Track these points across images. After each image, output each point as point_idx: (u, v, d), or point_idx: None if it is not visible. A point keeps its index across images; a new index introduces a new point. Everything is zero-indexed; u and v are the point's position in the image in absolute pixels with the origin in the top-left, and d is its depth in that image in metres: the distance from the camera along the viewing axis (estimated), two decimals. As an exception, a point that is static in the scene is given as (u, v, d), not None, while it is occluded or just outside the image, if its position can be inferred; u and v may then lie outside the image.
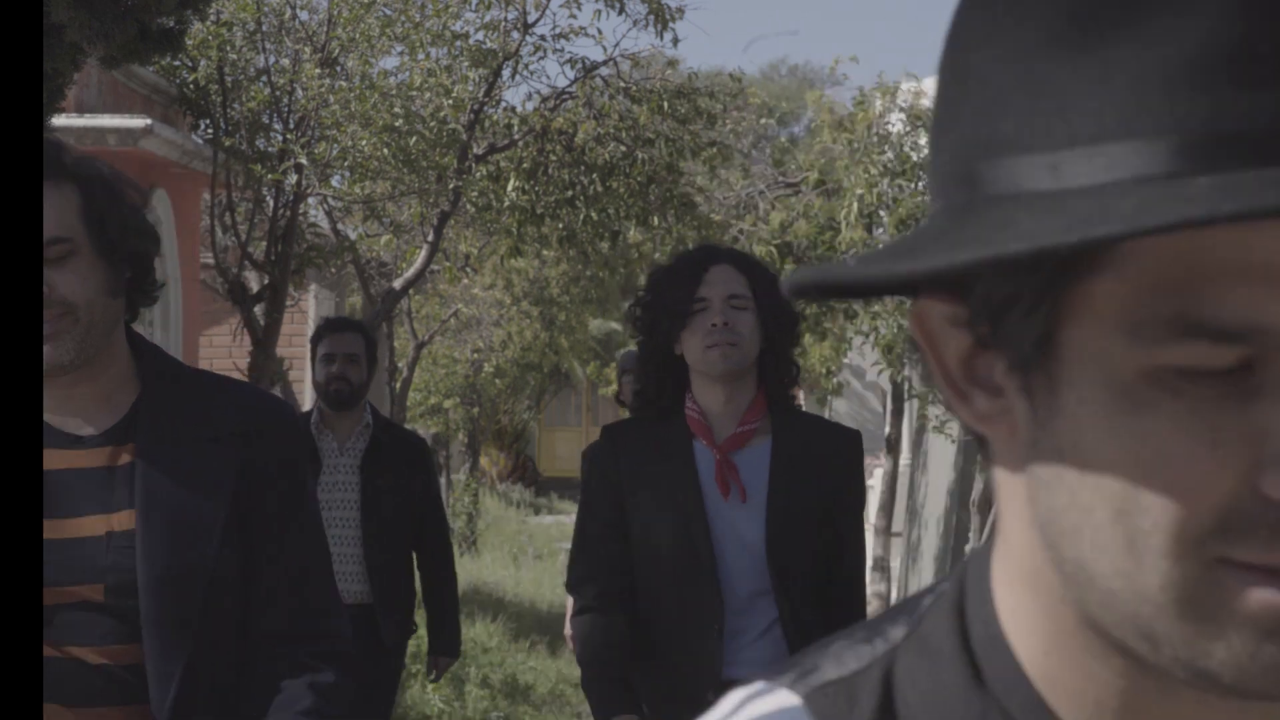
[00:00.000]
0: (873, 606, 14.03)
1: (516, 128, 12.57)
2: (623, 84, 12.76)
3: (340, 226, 13.97)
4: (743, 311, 4.09)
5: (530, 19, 12.47)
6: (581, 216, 12.70)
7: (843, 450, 4.19)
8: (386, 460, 6.86)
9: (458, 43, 12.40)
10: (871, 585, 15.35)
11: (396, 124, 11.98)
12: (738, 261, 4.16)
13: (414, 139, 12.06)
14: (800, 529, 4.10)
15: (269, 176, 11.63)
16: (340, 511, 6.82)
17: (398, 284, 12.93)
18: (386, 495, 6.83)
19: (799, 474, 4.11)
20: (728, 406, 4.12)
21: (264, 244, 12.05)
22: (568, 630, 8.56)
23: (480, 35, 12.56)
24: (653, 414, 4.16)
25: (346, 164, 12.31)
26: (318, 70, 11.73)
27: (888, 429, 16.67)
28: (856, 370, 20.47)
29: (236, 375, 11.86)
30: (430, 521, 7.02)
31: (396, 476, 6.85)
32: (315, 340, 7.00)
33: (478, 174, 12.55)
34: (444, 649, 7.21)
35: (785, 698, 0.93)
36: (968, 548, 14.22)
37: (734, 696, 0.95)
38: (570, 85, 12.75)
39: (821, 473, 4.12)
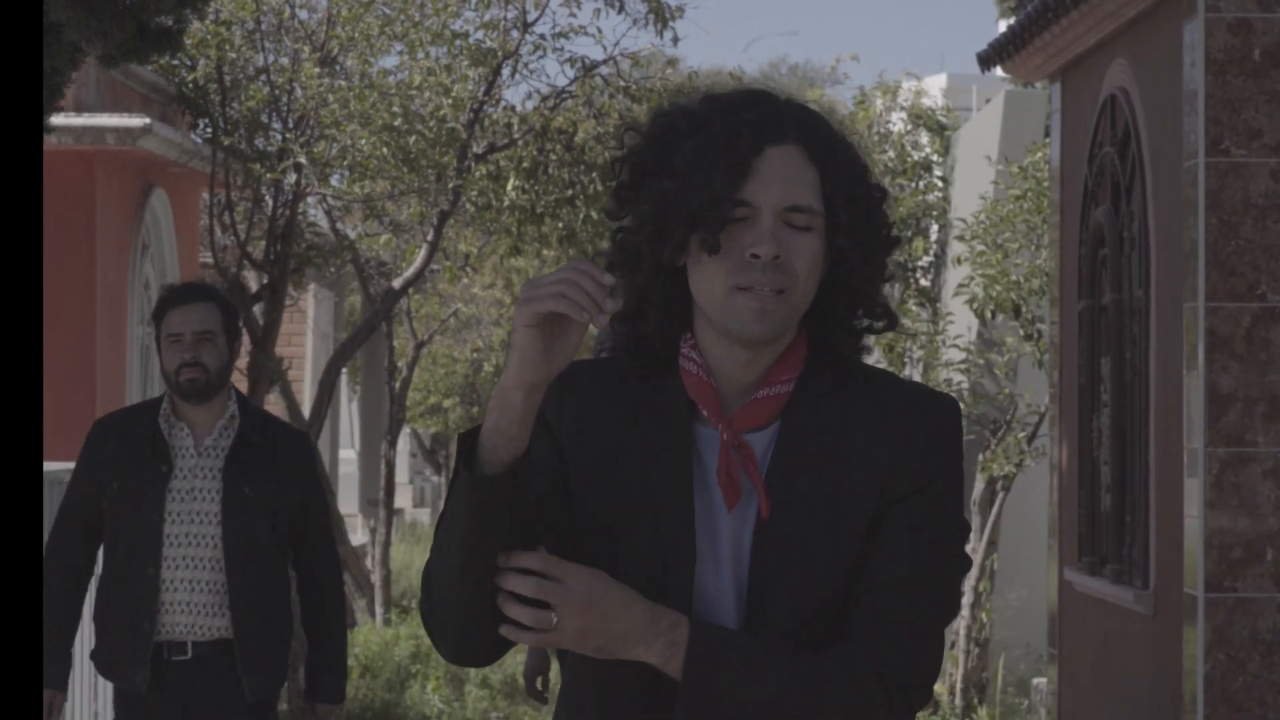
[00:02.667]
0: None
1: (516, 127, 12.54)
2: (623, 83, 12.73)
3: (339, 226, 13.95)
4: (804, 235, 2.44)
5: (530, 18, 12.45)
6: (581, 216, 12.68)
7: (903, 429, 2.47)
8: (257, 462, 5.52)
9: (457, 42, 12.38)
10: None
11: (396, 123, 11.96)
12: (808, 139, 2.48)
13: (413, 138, 12.04)
14: (810, 568, 2.45)
15: (268, 176, 11.61)
16: (195, 526, 5.46)
17: (397, 283, 12.91)
18: (256, 507, 5.50)
19: (823, 475, 2.47)
20: (748, 366, 2.48)
21: (263, 243, 12.03)
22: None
23: (480, 34, 12.54)
24: (635, 364, 2.52)
25: (346, 163, 12.29)
26: (317, 69, 11.70)
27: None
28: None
29: (236, 375, 11.85)
30: (313, 539, 5.66)
31: (269, 483, 5.52)
32: (157, 315, 5.63)
33: (477, 173, 12.52)
34: (324, 694, 5.76)
35: None
36: (968, 548, 14.18)
37: None
38: (570, 84, 12.72)
39: (870, 473, 2.46)
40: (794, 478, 2.45)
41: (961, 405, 14.08)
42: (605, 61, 12.72)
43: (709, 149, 2.42)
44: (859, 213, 2.46)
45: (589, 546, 2.45)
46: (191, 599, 5.46)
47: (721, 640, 2.37)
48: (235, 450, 5.50)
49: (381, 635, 14.34)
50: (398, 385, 16.62)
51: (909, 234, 16.18)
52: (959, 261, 14.07)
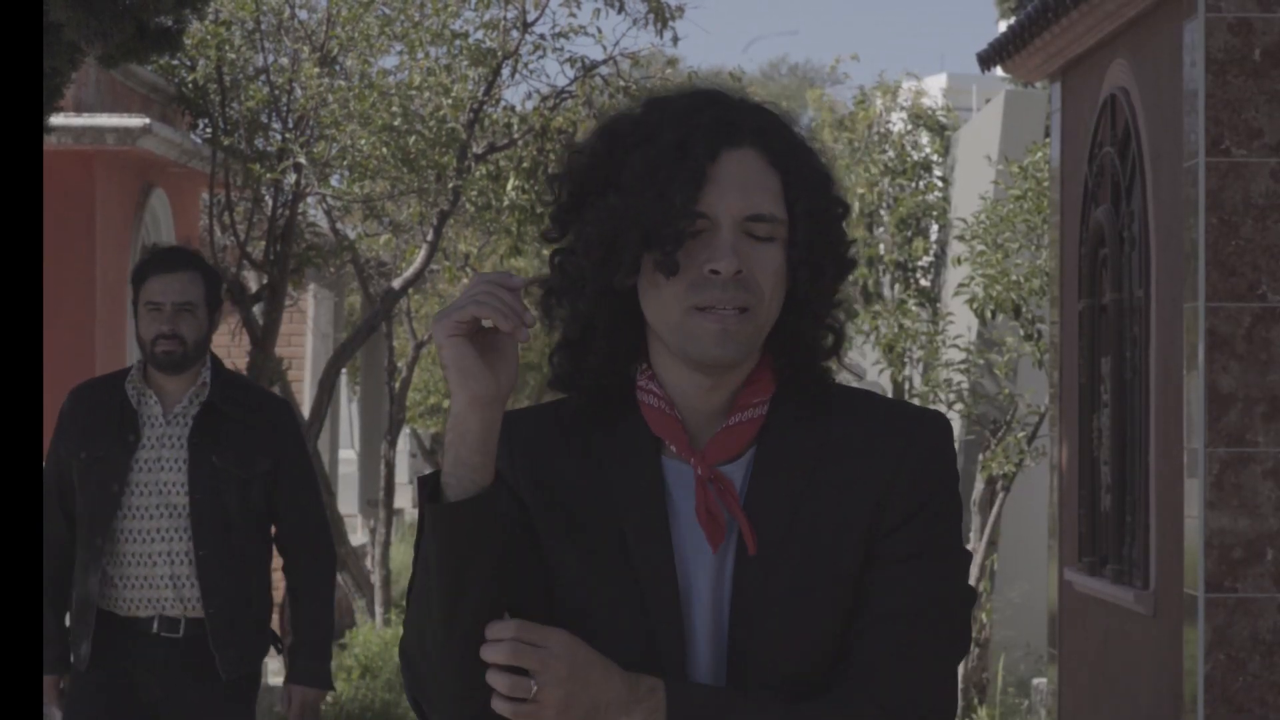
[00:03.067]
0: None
1: (516, 127, 12.54)
2: (622, 83, 12.72)
3: (339, 226, 13.94)
4: (766, 246, 2.23)
5: (530, 18, 12.44)
6: (581, 216, 12.65)
7: (891, 453, 2.26)
8: (226, 431, 5.30)
9: (457, 42, 12.38)
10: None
11: (395, 123, 11.96)
12: (768, 142, 2.26)
13: (413, 138, 12.03)
14: (798, 605, 2.23)
15: (268, 176, 11.60)
16: (161, 497, 5.27)
17: (397, 283, 12.90)
18: (224, 476, 5.27)
19: (807, 505, 2.25)
20: (712, 392, 2.27)
21: (263, 243, 12.02)
22: None
23: (479, 34, 12.53)
24: (584, 403, 2.31)
25: (345, 163, 12.28)
26: (316, 69, 11.70)
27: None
28: (857, 370, 20.45)
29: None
30: (287, 510, 5.40)
31: (238, 451, 5.29)
32: (136, 280, 5.39)
33: (477, 173, 12.52)
34: (302, 676, 5.51)
35: None
36: (969, 546, 14.17)
37: None
38: (570, 84, 12.72)
39: (859, 501, 2.24)
40: (775, 509, 2.23)
41: (961, 405, 14.10)
42: (605, 61, 12.71)
43: (660, 159, 2.19)
44: (818, 226, 2.24)
45: (563, 605, 2.24)
46: (154, 572, 5.25)
47: (705, 701, 2.16)
48: (201, 418, 5.28)
49: (381, 635, 14.33)
50: (397, 385, 16.62)
51: (909, 234, 16.19)
52: (959, 261, 14.07)
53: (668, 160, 2.19)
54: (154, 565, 5.26)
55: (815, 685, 2.20)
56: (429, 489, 2.14)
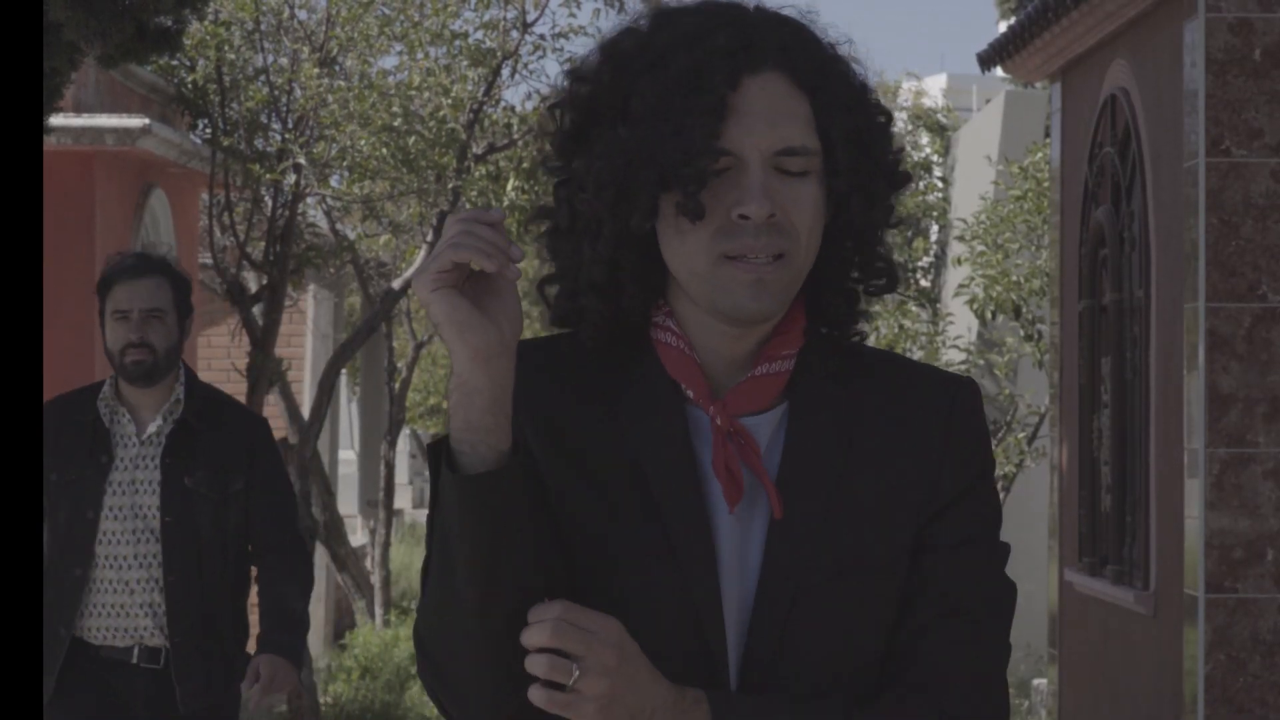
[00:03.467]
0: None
1: (516, 127, 12.54)
2: (622, 83, 12.71)
3: (339, 226, 13.94)
4: (800, 182, 1.96)
5: (529, 18, 12.44)
6: (581, 216, 12.66)
7: (936, 423, 2.03)
8: (199, 450, 5.03)
9: (457, 42, 12.38)
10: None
11: (395, 123, 11.96)
12: (794, 62, 1.98)
13: (413, 138, 12.03)
14: (840, 583, 2.00)
15: (267, 176, 11.60)
16: (135, 522, 5.00)
17: (397, 284, 12.90)
18: (197, 499, 5.02)
19: (846, 469, 2.01)
20: (739, 340, 2.01)
21: (262, 244, 12.02)
22: None
23: (479, 34, 12.53)
24: (599, 338, 2.04)
25: (345, 164, 12.28)
26: (316, 70, 11.70)
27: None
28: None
29: (235, 376, 11.86)
30: (264, 531, 5.11)
31: (211, 471, 5.02)
32: (103, 289, 5.11)
33: (477, 174, 12.52)
34: (271, 645, 5.08)
35: None
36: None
37: None
38: (570, 84, 12.70)
39: (907, 471, 2.02)
40: (812, 477, 1.98)
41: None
42: (605, 62, 12.69)
43: (674, 87, 1.92)
44: (861, 147, 1.97)
45: (583, 562, 1.96)
46: (132, 600, 5.00)
47: (753, 713, 1.92)
48: (174, 437, 5.01)
49: (381, 637, 14.33)
50: (397, 386, 16.62)
51: (909, 234, 16.19)
52: (959, 262, 14.07)
53: (682, 89, 1.92)
54: (131, 593, 5.00)
55: (848, 676, 1.97)
56: (438, 458, 1.86)
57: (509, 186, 12.57)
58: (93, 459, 5.02)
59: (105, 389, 5.09)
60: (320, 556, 14.27)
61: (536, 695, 1.83)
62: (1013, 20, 11.10)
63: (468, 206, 12.87)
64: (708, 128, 1.91)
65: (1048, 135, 12.19)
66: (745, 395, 2.00)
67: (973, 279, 13.30)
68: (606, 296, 2.00)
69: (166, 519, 4.98)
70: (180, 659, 4.98)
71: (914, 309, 15.34)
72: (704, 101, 1.92)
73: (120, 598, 5.02)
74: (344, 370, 15.98)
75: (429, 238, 12.63)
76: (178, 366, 5.11)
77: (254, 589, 5.22)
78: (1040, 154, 13.55)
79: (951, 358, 14.17)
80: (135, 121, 10.97)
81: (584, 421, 2.01)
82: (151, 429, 5.04)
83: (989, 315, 13.34)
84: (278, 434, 13.08)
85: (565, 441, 2.00)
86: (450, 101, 12.14)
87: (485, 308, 1.87)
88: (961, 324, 14.70)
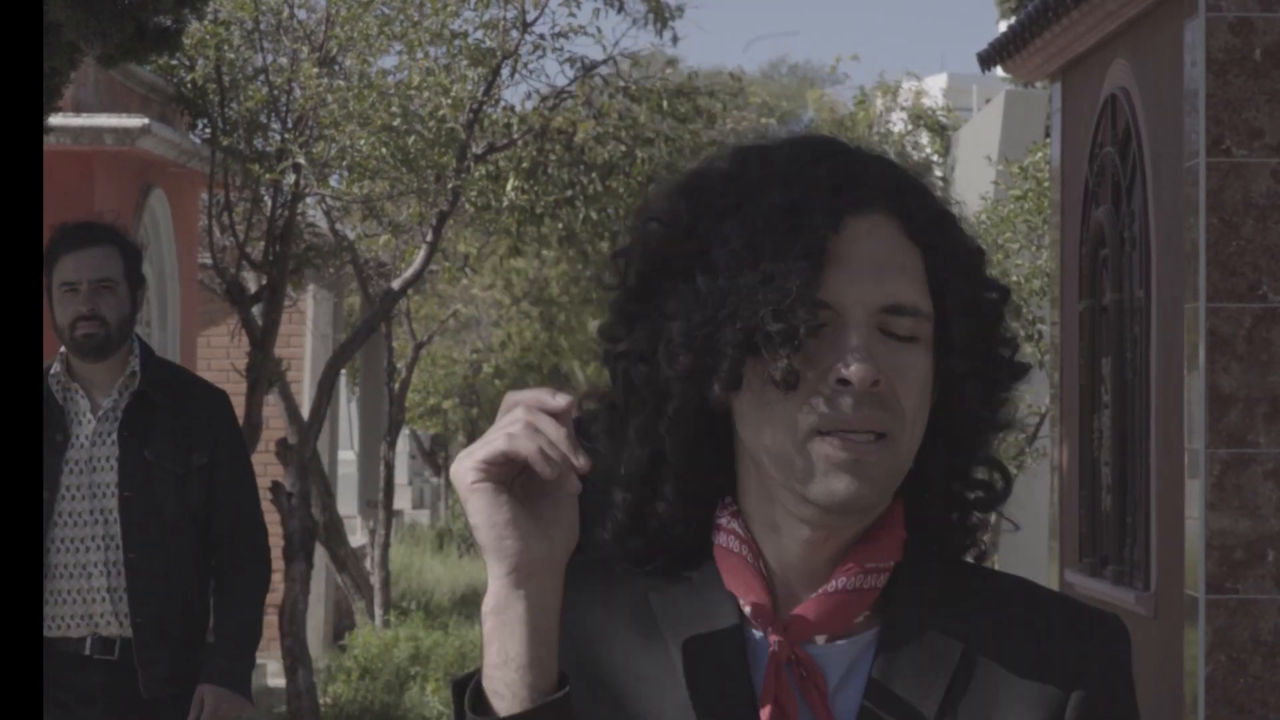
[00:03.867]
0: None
1: (516, 127, 12.53)
2: (622, 83, 12.72)
3: (338, 226, 13.94)
4: (908, 349, 1.65)
5: (529, 18, 12.43)
6: (581, 216, 12.67)
7: (1065, 669, 1.67)
8: (159, 423, 4.82)
9: (456, 41, 12.37)
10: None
11: (395, 123, 11.95)
12: (905, 206, 1.69)
13: (412, 138, 12.02)
14: None
15: (267, 176, 11.59)
16: (94, 501, 4.80)
17: (396, 284, 12.89)
18: (158, 473, 4.80)
19: None
20: (820, 546, 1.67)
21: (262, 244, 12.01)
22: None
23: (479, 34, 12.52)
24: (648, 546, 1.71)
25: (345, 163, 12.27)
26: (316, 69, 11.69)
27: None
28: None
29: (235, 376, 11.85)
30: (230, 509, 4.88)
31: (173, 445, 4.81)
32: (50, 258, 4.81)
33: (476, 173, 12.51)
34: (218, 675, 4.80)
35: None
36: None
37: None
38: (570, 84, 12.71)
39: None
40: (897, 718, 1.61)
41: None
42: (605, 61, 12.71)
43: (765, 229, 1.61)
44: (980, 321, 1.67)
45: None
46: (89, 585, 4.78)
47: None
48: (131, 410, 4.79)
49: (381, 637, 14.33)
50: (397, 386, 16.62)
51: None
52: (959, 262, 14.07)
53: (777, 230, 1.61)
54: (89, 577, 4.77)
55: None
56: (470, 699, 1.55)
57: (508, 186, 12.56)
58: (48, 439, 4.80)
59: (55, 367, 4.85)
60: (320, 557, 14.26)
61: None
62: (1013, 20, 11.10)
63: (467, 207, 12.87)
64: (806, 276, 1.59)
65: (1048, 135, 12.19)
66: (817, 615, 1.63)
67: (973, 279, 13.30)
68: (637, 493, 1.67)
69: (125, 494, 4.76)
70: (143, 643, 4.74)
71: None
72: (802, 244, 1.60)
73: (77, 582, 4.80)
74: (343, 370, 15.98)
75: (428, 238, 12.62)
76: (131, 339, 4.89)
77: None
78: (1040, 154, 13.55)
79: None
80: (135, 121, 10.97)
81: (625, 646, 1.66)
82: (107, 404, 4.82)
83: (989, 315, 13.34)
84: (277, 434, 13.10)
85: (603, 671, 1.66)
86: (450, 101, 12.14)
87: (535, 512, 1.54)
88: (961, 324, 14.71)
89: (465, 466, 1.53)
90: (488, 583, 1.55)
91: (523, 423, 1.51)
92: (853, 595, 1.63)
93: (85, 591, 4.80)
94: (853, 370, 1.58)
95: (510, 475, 1.53)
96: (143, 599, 4.75)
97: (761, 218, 1.62)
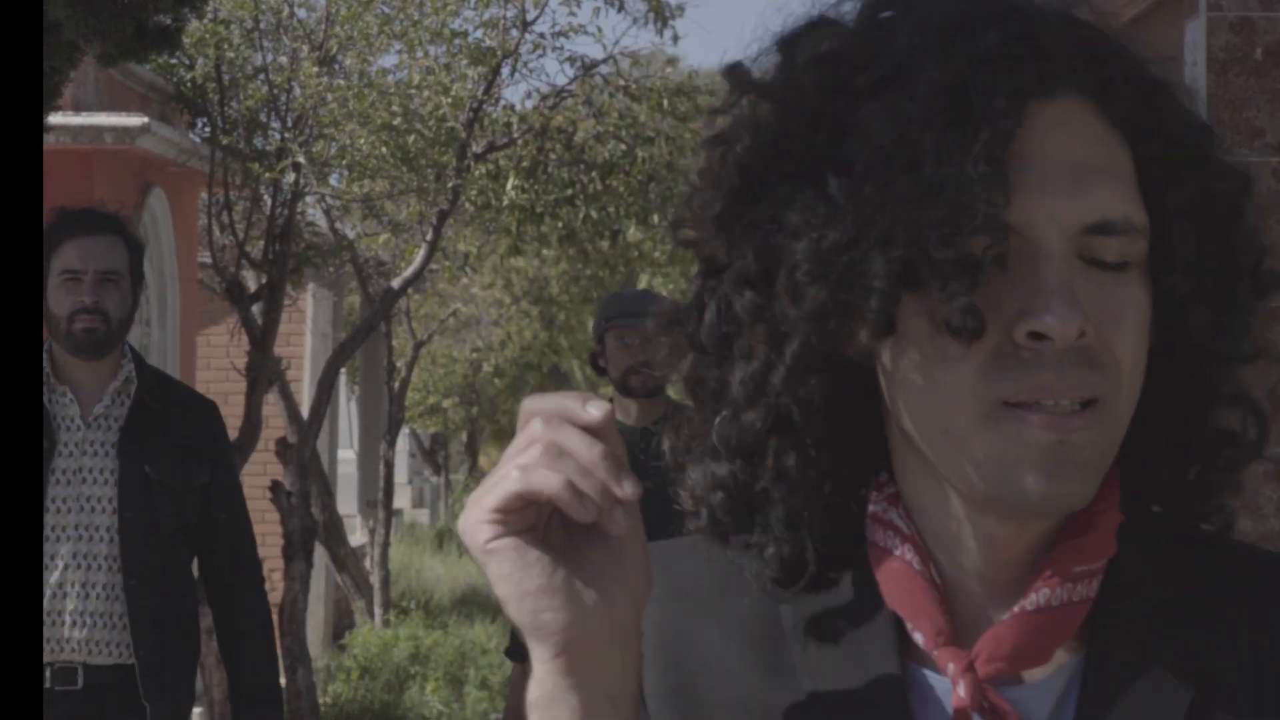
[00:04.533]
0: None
1: (516, 126, 12.54)
2: (622, 82, 12.73)
3: (338, 225, 13.95)
4: (1119, 280, 1.20)
5: (529, 17, 12.44)
6: (581, 215, 12.68)
7: None
8: (158, 435, 4.42)
9: (456, 41, 12.39)
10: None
11: (395, 122, 11.96)
12: (1107, 82, 1.27)
13: (412, 137, 12.03)
14: None
15: (267, 175, 11.60)
16: (86, 516, 4.36)
17: (396, 283, 12.89)
18: (158, 490, 4.40)
19: None
20: (1010, 543, 1.22)
21: (261, 243, 12.01)
22: None
23: (479, 33, 12.54)
24: (773, 545, 1.24)
25: (345, 163, 12.28)
26: (316, 68, 11.69)
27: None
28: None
29: (234, 375, 11.85)
30: (223, 531, 4.51)
31: (174, 460, 4.42)
32: (51, 243, 4.40)
33: (477, 172, 12.52)
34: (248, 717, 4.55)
35: None
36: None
37: None
38: (570, 83, 12.72)
39: None
40: None
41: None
42: (605, 60, 12.72)
43: (922, 119, 1.16)
44: (1211, 226, 1.23)
45: None
46: (61, 606, 4.33)
47: None
48: (132, 420, 4.39)
49: (381, 637, 14.33)
50: (397, 385, 16.62)
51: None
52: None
53: (937, 121, 1.16)
54: (64, 599, 4.32)
55: None
56: None
57: (509, 185, 12.57)
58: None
59: (45, 366, 4.38)
60: (320, 556, 14.26)
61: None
62: (1013, 19, 11.14)
63: (467, 206, 12.86)
64: (990, 188, 1.14)
65: (1048, 134, 12.22)
66: (1015, 644, 1.19)
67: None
68: (742, 475, 1.22)
69: (126, 514, 4.34)
70: (148, 672, 4.33)
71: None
72: (978, 142, 1.15)
73: (72, 604, 4.36)
74: (343, 370, 15.99)
75: (428, 236, 12.63)
76: (124, 341, 4.50)
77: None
78: (1040, 153, 13.58)
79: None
80: (134, 120, 10.98)
81: (739, 680, 1.23)
82: (98, 409, 4.40)
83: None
84: (277, 433, 13.11)
85: (706, 712, 1.23)
86: (450, 100, 12.15)
87: (583, 564, 1.12)
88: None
89: (474, 520, 1.11)
90: (531, 665, 1.14)
91: (542, 446, 1.08)
92: (1058, 613, 1.19)
93: (82, 615, 4.37)
94: (1051, 320, 1.15)
95: (538, 519, 1.11)
96: (145, 629, 4.34)
97: (915, 101, 1.16)
